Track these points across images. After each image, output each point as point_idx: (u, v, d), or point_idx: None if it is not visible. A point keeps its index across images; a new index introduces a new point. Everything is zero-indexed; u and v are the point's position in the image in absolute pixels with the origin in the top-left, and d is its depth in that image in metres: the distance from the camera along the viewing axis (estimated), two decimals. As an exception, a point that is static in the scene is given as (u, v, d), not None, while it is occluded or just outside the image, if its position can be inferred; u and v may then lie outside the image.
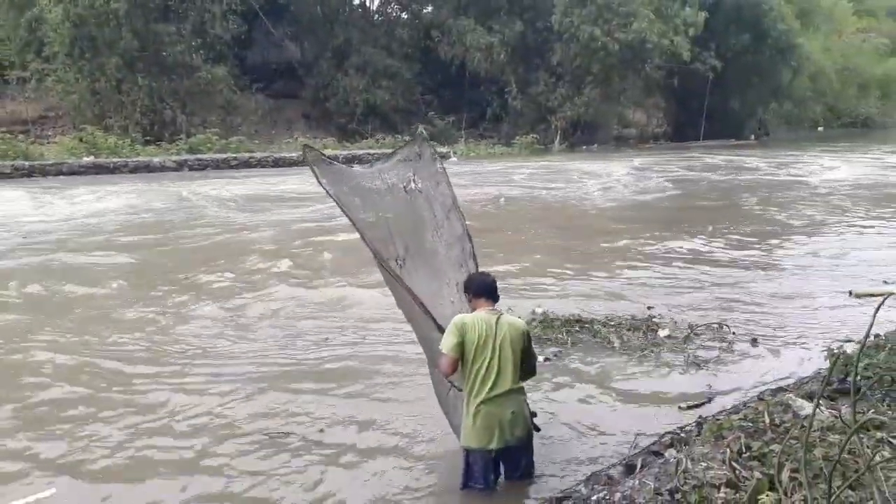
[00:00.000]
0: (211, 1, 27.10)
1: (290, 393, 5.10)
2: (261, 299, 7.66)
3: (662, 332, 6.45)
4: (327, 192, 3.88)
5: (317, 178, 3.90)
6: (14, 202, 15.35)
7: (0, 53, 25.64)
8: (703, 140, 38.93)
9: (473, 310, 3.65)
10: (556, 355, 5.90)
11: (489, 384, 3.44)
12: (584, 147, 35.03)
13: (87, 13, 24.13)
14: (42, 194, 16.48)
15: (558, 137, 34.80)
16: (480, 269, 4.08)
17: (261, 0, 30.46)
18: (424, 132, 4.83)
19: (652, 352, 5.93)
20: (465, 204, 4.37)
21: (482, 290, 3.67)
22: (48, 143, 24.82)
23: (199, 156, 24.61)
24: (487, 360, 3.45)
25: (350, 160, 22.15)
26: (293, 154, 26.06)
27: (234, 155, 25.16)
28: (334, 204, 3.87)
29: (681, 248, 10.54)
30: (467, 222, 4.33)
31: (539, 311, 6.87)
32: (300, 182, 18.27)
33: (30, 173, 21.08)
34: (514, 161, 27.59)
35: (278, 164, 25.01)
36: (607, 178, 20.72)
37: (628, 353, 5.90)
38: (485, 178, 21.20)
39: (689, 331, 6.40)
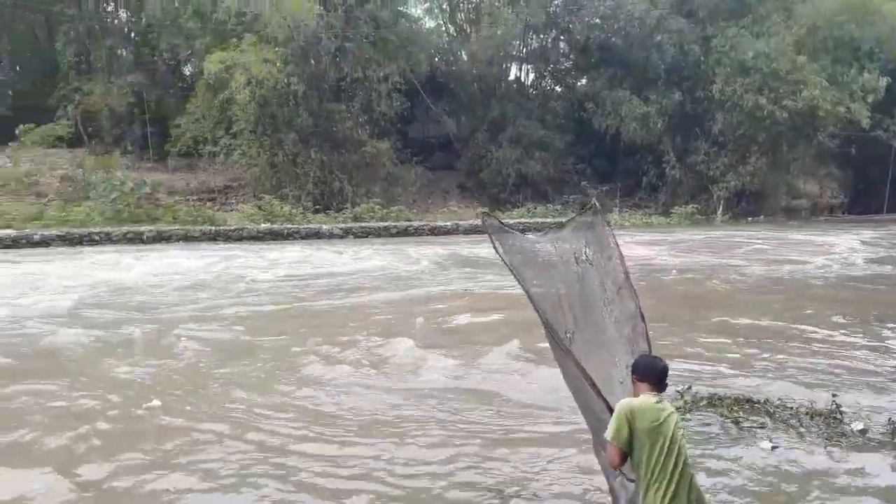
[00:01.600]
0: (378, 81, 29.01)
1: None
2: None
3: (856, 426, 5.70)
4: (503, 260, 3.83)
5: (494, 246, 3.88)
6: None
7: (196, 130, 28.78)
8: (888, 213, 35.51)
9: (636, 393, 3.37)
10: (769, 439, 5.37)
11: (667, 480, 3.15)
12: (750, 218, 33.13)
13: (271, 94, 26.65)
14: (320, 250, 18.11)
15: (721, 208, 33.22)
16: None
17: (422, 79, 32.22)
18: (597, 203, 4.65)
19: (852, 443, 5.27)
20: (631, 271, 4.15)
21: (651, 375, 3.38)
22: (231, 210, 27.26)
23: (363, 224, 25.96)
24: (663, 455, 3.16)
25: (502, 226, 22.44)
26: (447, 223, 26.85)
27: (395, 223, 26.28)
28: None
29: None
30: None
31: (688, 390, 6.40)
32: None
33: (215, 237, 23.22)
34: (674, 231, 26.62)
35: (434, 232, 25.79)
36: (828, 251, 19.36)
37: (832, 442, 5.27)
38: (648, 247, 20.57)
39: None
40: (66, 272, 14.89)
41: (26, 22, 31.54)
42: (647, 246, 20.72)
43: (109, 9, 32.08)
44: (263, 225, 24.90)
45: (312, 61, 28.19)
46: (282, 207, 26.33)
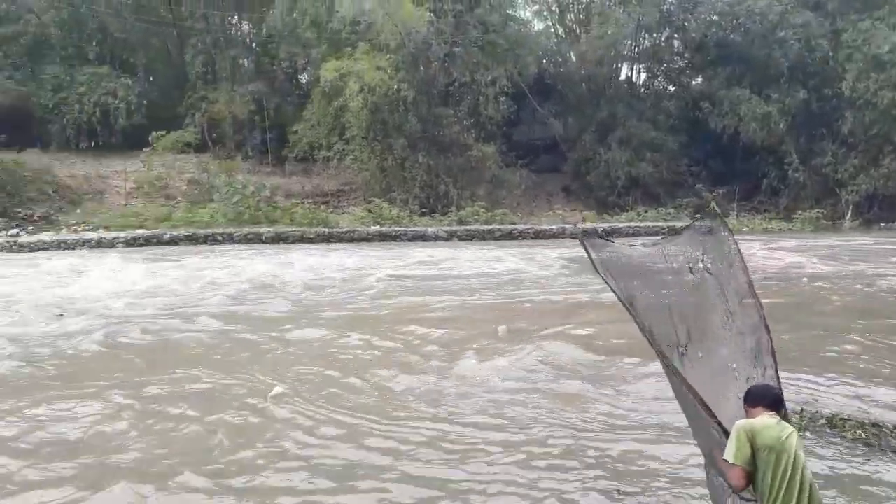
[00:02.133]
0: (486, 85, 29.15)
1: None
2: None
3: None
4: (604, 279, 3.71)
5: (593, 263, 3.77)
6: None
7: (312, 136, 30.01)
8: None
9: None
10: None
11: (794, 500, 3.00)
12: (882, 224, 30.65)
13: (382, 100, 27.36)
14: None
15: (850, 213, 30.95)
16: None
17: (530, 81, 32.06)
18: (716, 207, 4.43)
19: None
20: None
21: (764, 400, 3.24)
22: (343, 212, 28.22)
23: (467, 227, 26.14)
24: (787, 474, 3.01)
25: (610, 233, 21.90)
26: (553, 226, 26.54)
27: (499, 227, 26.29)
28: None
29: None
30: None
31: (808, 411, 5.93)
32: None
33: (328, 238, 24.11)
34: (804, 237, 25.13)
35: (539, 235, 25.59)
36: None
37: None
38: (770, 252, 19.56)
39: None
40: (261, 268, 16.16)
41: (160, 37, 34.04)
42: (790, 252, 19.78)
43: (233, 21, 33.99)
44: (373, 227, 25.61)
45: (422, 67, 28.74)
46: (390, 210, 26.97)
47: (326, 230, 24.79)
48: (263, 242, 23.16)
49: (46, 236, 22.32)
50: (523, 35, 33.13)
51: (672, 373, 3.52)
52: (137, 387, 6.81)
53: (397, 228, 25.39)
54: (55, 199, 26.05)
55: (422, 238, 24.70)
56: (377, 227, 25.60)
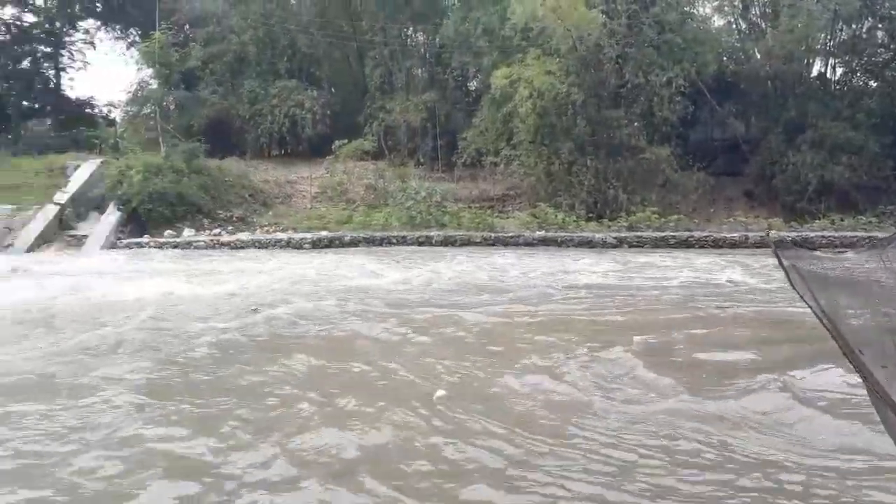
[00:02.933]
0: (660, 86, 28.00)
1: None
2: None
3: None
4: (801, 296, 3.33)
5: (787, 277, 3.39)
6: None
7: (480, 142, 30.54)
8: None
9: None
10: None
11: None
12: None
13: (550, 105, 27.20)
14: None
15: None
16: None
17: (708, 80, 30.33)
18: None
19: None
20: None
21: None
22: (508, 217, 28.41)
23: (638, 233, 25.24)
24: None
25: (800, 243, 20.07)
26: (734, 234, 24.86)
27: (673, 234, 25.10)
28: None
29: None
30: None
31: None
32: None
33: (493, 243, 24.39)
34: None
35: (718, 244, 24.09)
36: None
37: None
38: None
39: None
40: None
41: (343, 51, 36.39)
42: None
43: (409, 33, 35.46)
44: (538, 232, 25.53)
45: (592, 70, 28.20)
46: (556, 215, 26.72)
47: (492, 234, 25.10)
48: (433, 245, 23.91)
49: (243, 236, 24.65)
50: (703, 32, 31.41)
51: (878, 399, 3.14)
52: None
53: (563, 234, 25.09)
54: (250, 203, 28.61)
55: (588, 244, 24.20)
56: (542, 232, 25.48)
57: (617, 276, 15.64)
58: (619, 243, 24.28)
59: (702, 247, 23.87)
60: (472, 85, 35.78)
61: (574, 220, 26.60)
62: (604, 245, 24.12)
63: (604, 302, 11.88)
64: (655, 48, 27.96)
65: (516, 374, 7.13)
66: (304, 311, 10.58)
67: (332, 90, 37.47)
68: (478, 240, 24.53)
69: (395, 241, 24.25)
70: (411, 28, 35.02)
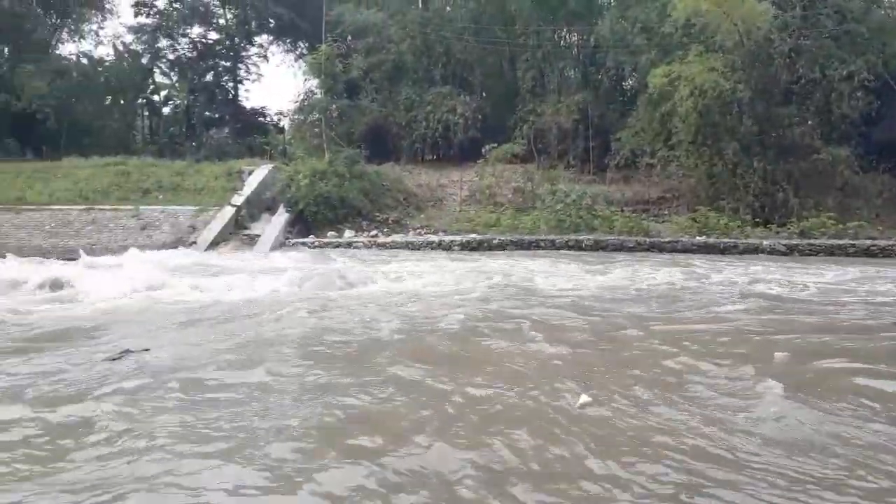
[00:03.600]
0: (839, 80, 25.64)
1: None
2: None
3: None
4: None
5: None
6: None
7: (635, 143, 29.57)
8: None
9: None
10: None
11: None
12: None
13: (713, 103, 25.77)
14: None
15: None
16: None
17: (896, 72, 27.36)
18: None
19: None
20: None
21: None
22: (664, 221, 27.24)
23: (811, 240, 23.22)
24: None
25: None
26: (928, 244, 22.18)
27: (852, 242, 22.84)
28: None
29: None
30: None
31: None
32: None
33: (649, 248, 23.48)
34: None
35: (907, 254, 21.61)
36: None
37: None
38: None
39: None
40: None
41: (495, 56, 36.74)
42: None
43: (562, 34, 35.11)
44: (698, 238, 24.25)
45: (761, 65, 26.38)
46: (718, 220, 25.27)
47: (646, 239, 24.17)
48: (583, 250, 23.44)
49: (398, 237, 25.58)
50: (892, 21, 28.39)
51: None
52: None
53: (726, 240, 23.64)
54: (405, 206, 29.62)
55: (754, 251, 22.61)
56: (703, 238, 24.17)
57: (818, 288, 14.21)
58: (790, 251, 22.47)
59: (886, 256, 21.52)
60: (628, 84, 34.76)
61: (738, 225, 25.00)
62: (771, 252, 22.45)
63: (800, 318, 10.83)
64: (834, 39, 25.64)
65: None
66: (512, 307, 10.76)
67: (484, 94, 37.95)
68: (631, 245, 23.73)
69: (543, 244, 24.05)
70: (565, 29, 34.65)
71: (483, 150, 30.85)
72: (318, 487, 4.16)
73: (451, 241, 24.46)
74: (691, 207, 27.12)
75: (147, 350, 7.39)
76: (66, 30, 42.96)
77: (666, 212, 28.66)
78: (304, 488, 4.17)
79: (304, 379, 6.49)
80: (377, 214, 28.34)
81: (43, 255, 21.43)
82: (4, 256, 18.25)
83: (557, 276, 15.77)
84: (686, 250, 23.08)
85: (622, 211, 27.43)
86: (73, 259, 18.15)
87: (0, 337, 8.61)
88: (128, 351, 7.31)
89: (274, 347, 7.85)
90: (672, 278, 15.48)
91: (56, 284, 12.42)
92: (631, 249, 23.42)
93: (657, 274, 16.15)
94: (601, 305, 11.49)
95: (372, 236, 26.09)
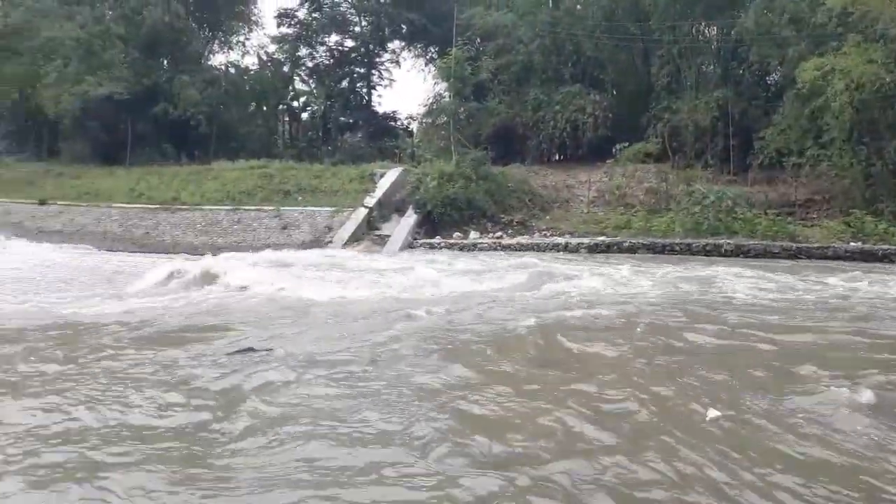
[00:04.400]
0: None
1: None
2: None
3: None
4: None
5: None
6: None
7: (780, 141, 27.55)
8: None
9: None
10: None
11: None
12: None
13: (872, 98, 23.57)
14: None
15: None
16: None
17: None
18: None
19: None
20: None
21: None
22: (812, 225, 25.21)
23: None
24: None
25: None
26: None
27: None
28: None
29: None
30: None
31: None
32: None
33: (795, 254, 21.83)
34: None
35: None
36: None
37: None
38: None
39: None
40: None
41: (628, 52, 35.63)
42: None
43: (701, 28, 33.41)
44: (852, 244, 22.27)
45: (930, 54, 23.79)
46: (876, 225, 23.07)
47: (793, 245, 22.49)
48: (723, 255, 22.17)
49: (523, 239, 25.40)
50: None
51: None
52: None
53: (886, 247, 21.53)
54: (530, 207, 29.33)
55: (920, 260, 20.45)
56: (857, 244, 22.16)
57: None
58: (965, 260, 20.12)
59: None
60: (772, 79, 32.52)
61: (899, 231, 22.71)
62: (940, 261, 20.20)
63: None
64: None
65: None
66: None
67: (615, 92, 36.93)
68: (776, 250, 22.17)
69: (678, 248, 23.01)
70: (703, 23, 32.94)
71: (614, 150, 29.99)
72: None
73: (579, 244, 23.96)
74: (844, 211, 24.93)
75: (270, 350, 7.57)
76: (216, 42, 46.31)
77: (814, 215, 26.51)
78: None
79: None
80: (502, 216, 28.27)
81: (195, 251, 23.23)
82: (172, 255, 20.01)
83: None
84: (838, 257, 21.25)
85: (765, 214, 25.67)
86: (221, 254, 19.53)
87: (165, 323, 9.37)
88: (250, 349, 7.59)
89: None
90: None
91: (208, 277, 13.43)
92: (775, 255, 21.90)
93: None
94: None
95: (496, 237, 26.06)
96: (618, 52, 35.41)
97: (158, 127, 38.39)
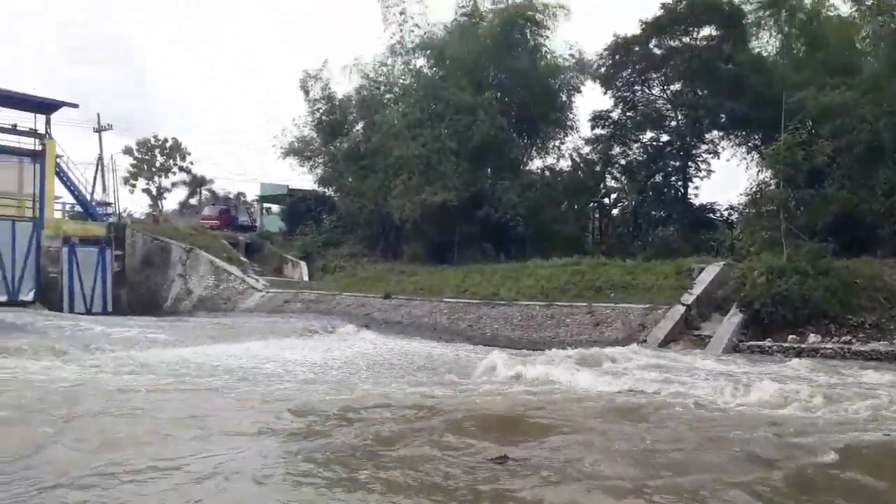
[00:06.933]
0: None
1: None
2: None
3: None
4: None
5: None
6: None
7: None
8: None
9: None
10: None
11: None
12: None
13: None
14: None
15: None
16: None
17: None
18: None
19: None
20: None
21: None
22: None
23: None
24: None
25: None
26: None
27: None
28: None
29: None
30: None
31: None
32: None
33: None
34: None
35: None
36: None
37: None
38: None
39: None
40: None
41: None
42: None
43: None
44: None
45: None
46: None
47: None
48: None
49: (880, 346, 21.53)
50: None
51: None
52: None
53: None
54: (885, 307, 24.95)
55: None
56: None
57: None
58: None
59: None
60: None
61: None
62: None
63: None
64: None
65: None
66: None
67: None
68: None
69: None
70: None
71: None
72: None
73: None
74: None
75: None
76: (534, 148, 49.39)
77: None
78: None
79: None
80: (849, 317, 24.42)
81: (511, 345, 24.25)
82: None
83: None
84: None
85: None
86: (538, 350, 20.12)
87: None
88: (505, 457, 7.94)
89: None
90: None
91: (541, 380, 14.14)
92: None
93: None
94: None
95: (844, 342, 22.54)
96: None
97: (481, 228, 41.81)
